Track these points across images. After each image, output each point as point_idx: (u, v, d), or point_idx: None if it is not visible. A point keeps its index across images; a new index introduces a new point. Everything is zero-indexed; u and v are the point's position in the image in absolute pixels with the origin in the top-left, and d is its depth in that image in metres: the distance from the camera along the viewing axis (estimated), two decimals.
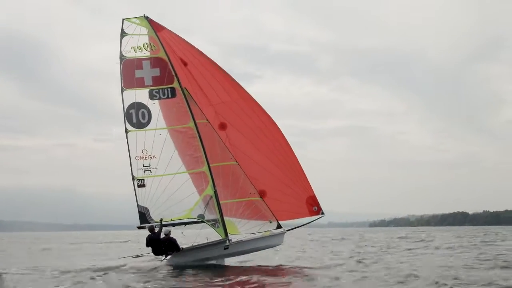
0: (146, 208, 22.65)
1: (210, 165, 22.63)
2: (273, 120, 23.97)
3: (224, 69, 23.99)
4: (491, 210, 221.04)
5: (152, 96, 23.03)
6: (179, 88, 23.00)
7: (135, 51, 23.10)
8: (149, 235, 22.03)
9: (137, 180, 22.73)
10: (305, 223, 24.35)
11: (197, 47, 23.92)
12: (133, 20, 23.25)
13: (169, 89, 23.03)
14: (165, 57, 23.07)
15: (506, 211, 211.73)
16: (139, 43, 23.09)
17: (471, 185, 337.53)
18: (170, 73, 23.03)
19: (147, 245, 21.97)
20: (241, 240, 22.63)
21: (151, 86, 23.02)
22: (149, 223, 22.51)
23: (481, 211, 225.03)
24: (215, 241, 22.30)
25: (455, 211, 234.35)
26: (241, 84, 23.90)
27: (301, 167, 24.03)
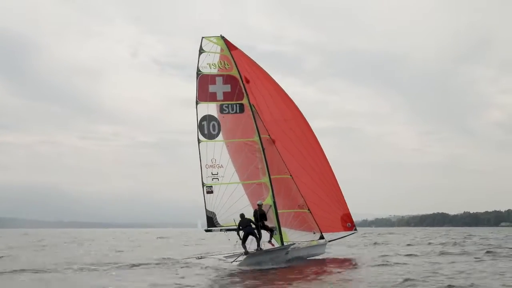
0: (213, 213, 24.36)
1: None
2: (317, 140, 26.66)
3: (283, 88, 26.31)
4: (472, 212, 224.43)
5: (222, 110, 24.97)
6: (248, 105, 25.03)
7: (210, 68, 25.04)
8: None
9: (206, 186, 24.44)
10: (341, 236, 26.80)
11: (262, 66, 26.37)
12: (211, 38, 25.17)
13: (238, 105, 25.05)
14: (237, 75, 25.10)
15: (486, 212, 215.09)
16: (214, 60, 25.03)
17: (454, 187, 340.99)
18: (240, 90, 25.07)
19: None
20: (297, 247, 24.87)
21: (222, 101, 25.00)
22: (216, 227, 24.31)
23: (462, 212, 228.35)
24: (283, 246, 24.04)
25: (436, 212, 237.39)
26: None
27: (338, 185, 26.87)
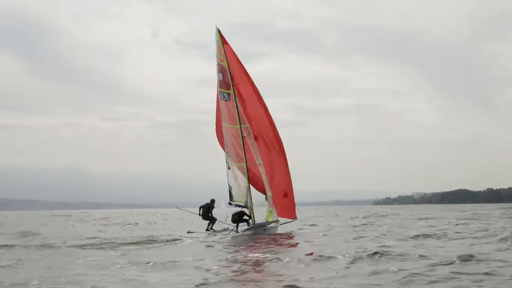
0: (231, 187, 27.40)
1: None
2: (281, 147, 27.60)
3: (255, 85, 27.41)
4: (495, 188, 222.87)
5: (220, 96, 27.52)
6: (233, 95, 26.95)
7: (216, 56, 27.43)
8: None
9: (226, 163, 27.56)
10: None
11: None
12: (216, 30, 27.14)
13: (227, 93, 27.19)
14: (226, 67, 26.99)
15: (510, 188, 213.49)
16: (216, 50, 27.32)
17: (477, 163, 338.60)
18: (228, 81, 27.04)
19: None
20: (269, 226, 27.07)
21: (220, 87, 27.44)
22: (234, 201, 27.13)
23: (485, 189, 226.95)
24: (268, 222, 26.83)
25: (458, 188, 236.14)
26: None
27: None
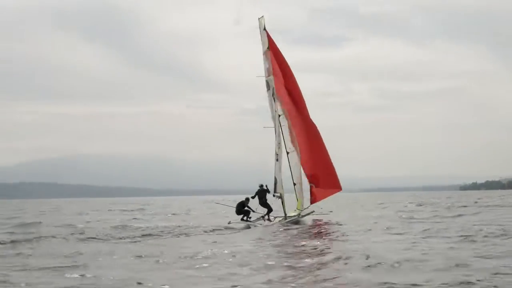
0: (276, 179, 27.34)
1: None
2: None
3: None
4: None
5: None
6: (272, 83, 26.76)
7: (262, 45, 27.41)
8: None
9: (276, 155, 27.31)
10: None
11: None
12: (261, 19, 27.39)
13: (267, 81, 27.24)
14: (270, 55, 26.88)
15: None
16: (262, 39, 27.31)
17: None
18: (269, 68, 26.91)
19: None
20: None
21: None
22: (276, 193, 27.35)
23: None
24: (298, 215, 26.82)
25: None
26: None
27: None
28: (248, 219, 27.11)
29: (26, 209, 60.21)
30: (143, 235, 21.29)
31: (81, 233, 22.06)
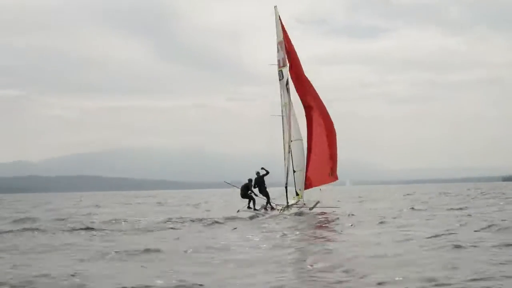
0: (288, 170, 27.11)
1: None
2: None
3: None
4: None
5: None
6: (287, 72, 26.33)
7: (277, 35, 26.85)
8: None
9: (288, 147, 26.91)
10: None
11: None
12: (276, 9, 26.79)
13: (281, 71, 26.56)
14: (284, 45, 26.37)
15: None
16: (277, 29, 26.69)
17: None
18: (284, 58, 26.37)
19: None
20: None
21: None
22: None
23: None
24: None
25: None
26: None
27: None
28: (255, 208, 26.62)
29: (51, 202, 60.50)
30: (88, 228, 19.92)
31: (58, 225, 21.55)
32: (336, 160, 26.65)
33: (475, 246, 12.59)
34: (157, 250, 13.20)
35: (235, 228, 19.66)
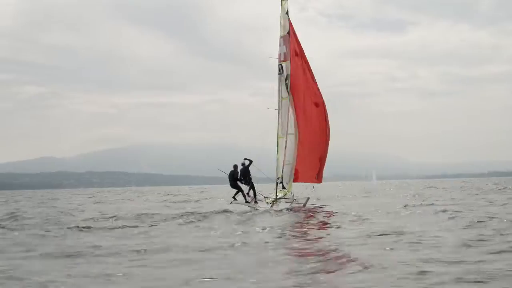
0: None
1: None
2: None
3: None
4: None
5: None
6: (288, 67, 26.08)
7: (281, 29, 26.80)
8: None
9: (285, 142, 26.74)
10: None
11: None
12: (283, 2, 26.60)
13: (281, 65, 26.39)
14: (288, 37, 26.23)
15: None
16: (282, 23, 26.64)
17: None
18: (286, 52, 26.21)
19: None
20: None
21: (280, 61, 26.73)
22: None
23: None
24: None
25: None
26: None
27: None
28: (246, 200, 25.94)
29: (69, 199, 59.92)
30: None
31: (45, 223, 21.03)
32: (324, 164, 26.33)
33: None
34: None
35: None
